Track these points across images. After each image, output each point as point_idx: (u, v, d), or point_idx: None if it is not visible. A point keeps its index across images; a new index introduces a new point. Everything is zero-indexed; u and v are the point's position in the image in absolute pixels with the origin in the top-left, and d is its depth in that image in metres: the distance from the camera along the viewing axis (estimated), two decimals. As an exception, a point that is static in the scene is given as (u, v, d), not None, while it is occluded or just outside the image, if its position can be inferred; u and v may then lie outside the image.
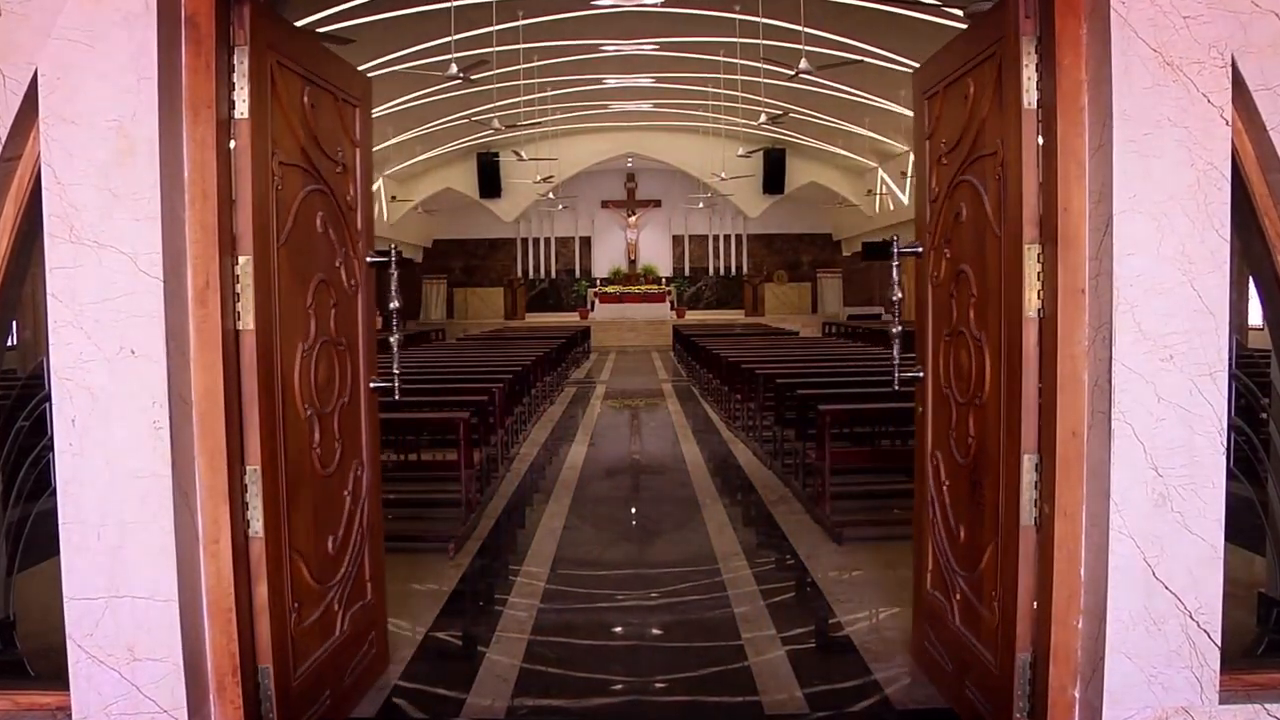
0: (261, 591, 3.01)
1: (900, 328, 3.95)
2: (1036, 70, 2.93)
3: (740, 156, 22.32)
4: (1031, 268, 2.98)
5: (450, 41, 13.71)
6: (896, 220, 24.33)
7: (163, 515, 2.72)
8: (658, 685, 3.88)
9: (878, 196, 25.31)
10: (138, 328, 2.69)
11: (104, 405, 2.70)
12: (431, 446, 7.39)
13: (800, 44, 13.70)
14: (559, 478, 8.33)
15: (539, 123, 20.80)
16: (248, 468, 2.99)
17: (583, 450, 9.82)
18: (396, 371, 3.87)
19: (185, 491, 2.80)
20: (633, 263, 31.81)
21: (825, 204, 28.80)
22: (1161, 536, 2.70)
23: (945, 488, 3.73)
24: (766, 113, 17.70)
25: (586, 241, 32.39)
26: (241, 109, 2.94)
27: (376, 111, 18.74)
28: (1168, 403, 2.69)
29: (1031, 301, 3.00)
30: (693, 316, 29.81)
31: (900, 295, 3.95)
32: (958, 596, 3.52)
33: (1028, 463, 3.03)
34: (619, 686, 3.87)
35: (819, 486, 6.53)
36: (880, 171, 25.10)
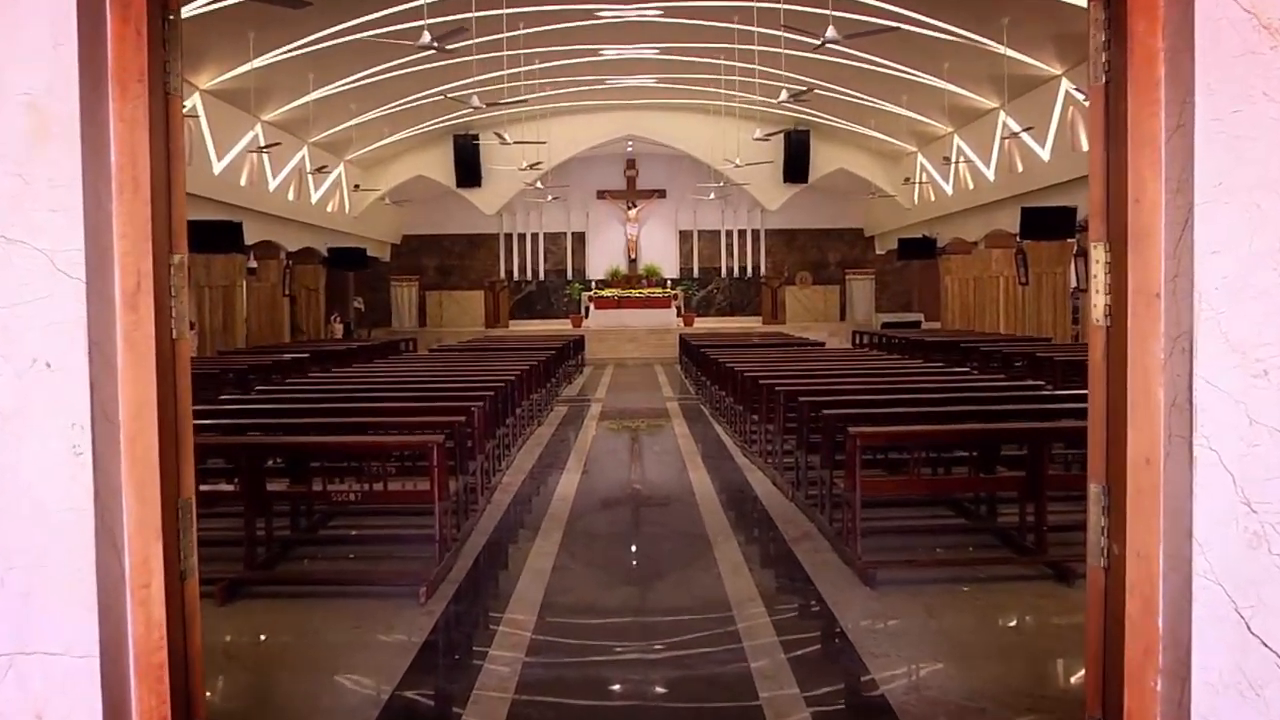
0: (198, 641, 2.96)
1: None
2: (1105, 38, 2.90)
3: (757, 140, 22.32)
4: (1098, 268, 2.94)
5: (423, 5, 13.72)
6: (938, 213, 24.35)
7: (82, 556, 2.67)
8: (662, 753, 3.82)
9: (917, 185, 25.32)
10: (55, 337, 2.65)
11: (13, 428, 2.65)
12: (400, 475, 7.35)
13: (827, 8, 13.67)
14: (548, 510, 8.27)
15: (525, 100, 20.81)
16: (183, 498, 2.95)
17: (575, 479, 9.76)
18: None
19: (110, 527, 2.75)
20: (633, 262, 31.82)
21: (856, 194, 28.82)
22: (1258, 583, 2.64)
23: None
24: (787, 89, 17.67)
25: (580, 238, 32.40)
26: (178, 84, 2.90)
27: (334, 86, 18.82)
28: (1262, 426, 2.64)
29: (1097, 306, 2.96)
30: (702, 324, 29.78)
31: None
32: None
33: (1094, 493, 2.99)
34: (617, 755, 3.81)
35: (848, 521, 6.48)
36: (920, 156, 25.12)
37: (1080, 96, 15.97)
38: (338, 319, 27.36)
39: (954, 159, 22.08)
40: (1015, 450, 7.51)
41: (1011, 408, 8.04)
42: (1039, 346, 15.30)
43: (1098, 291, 2.96)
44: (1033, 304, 20.97)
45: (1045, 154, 17.99)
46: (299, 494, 7.05)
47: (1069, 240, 18.65)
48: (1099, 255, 2.95)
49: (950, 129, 22.22)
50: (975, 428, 7.23)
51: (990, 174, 20.71)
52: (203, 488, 6.97)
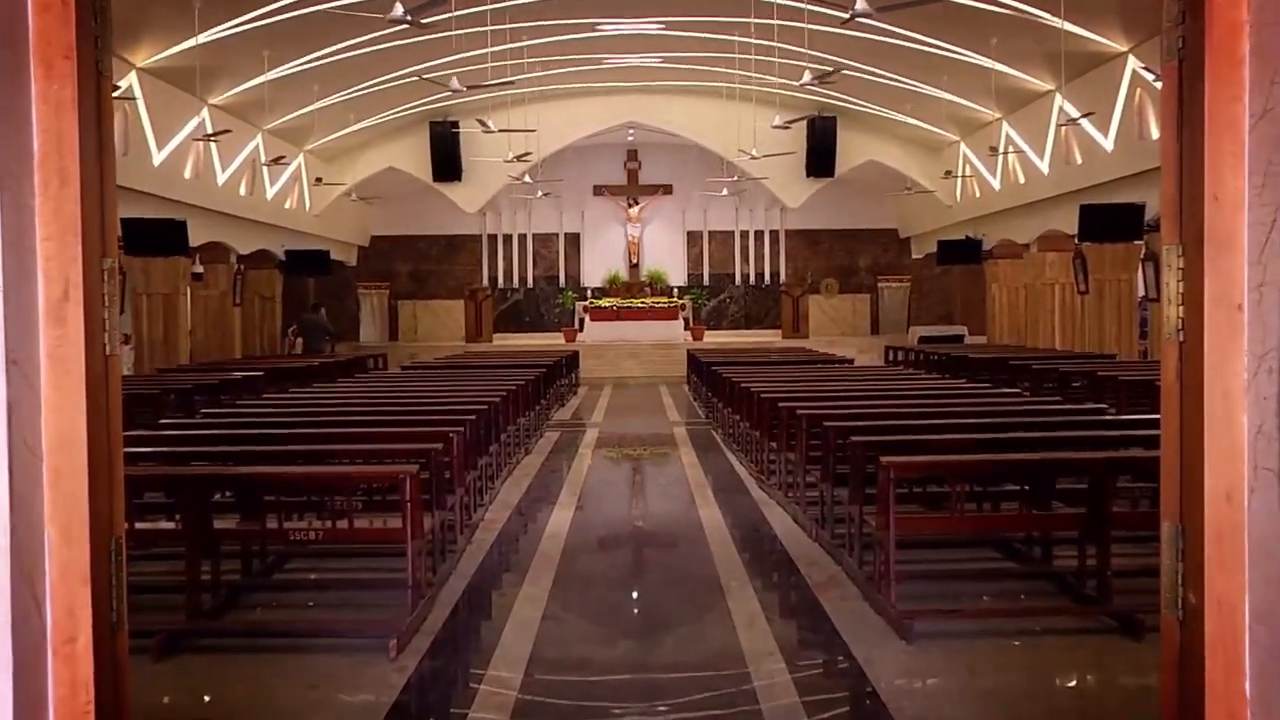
0: (129, 704, 2.93)
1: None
2: (1180, 10, 2.89)
3: (777, 127, 22.33)
4: (1170, 274, 2.93)
5: (396, -25, 13.78)
6: (984, 211, 24.40)
7: (-3, 606, 2.65)
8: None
9: (959, 180, 25.40)
10: (-33, 353, 2.64)
11: (-79, 457, 2.63)
12: (368, 511, 7.34)
13: (855, -21, 13.74)
14: (537, 551, 8.28)
15: (511, 82, 20.87)
16: (116, 538, 2.93)
17: (568, 515, 9.78)
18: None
19: (29, 574, 2.73)
20: (634, 267, 31.88)
21: (889, 190, 28.89)
22: (1354, 639, 2.62)
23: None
24: (811, 69, 17.73)
25: (574, 240, 32.46)
26: (111, 62, 2.90)
27: (292, 65, 18.88)
28: (1360, 457, 2.62)
29: (1170, 319, 2.94)
30: (714, 338, 29.79)
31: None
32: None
33: (1167, 534, 2.97)
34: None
35: (880, 564, 6.47)
36: (962, 146, 25.19)
37: (1150, 77, 15.98)
38: (296, 332, 27.37)
39: (1002, 149, 22.11)
40: (1074, 484, 7.49)
41: (1069, 435, 8.03)
42: (1101, 365, 15.30)
43: (1170, 302, 2.95)
44: (1093, 316, 20.97)
45: (1108, 143, 18.02)
46: (250, 533, 7.04)
47: (1136, 243, 18.66)
48: (1171, 260, 2.94)
49: (998, 115, 22.26)
50: (1027, 458, 7.22)
51: (1044, 166, 20.75)
52: (139, 525, 6.97)
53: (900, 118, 24.87)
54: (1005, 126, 22.21)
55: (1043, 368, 15.48)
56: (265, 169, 22.23)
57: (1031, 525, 7.56)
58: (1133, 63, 16.95)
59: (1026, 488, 7.27)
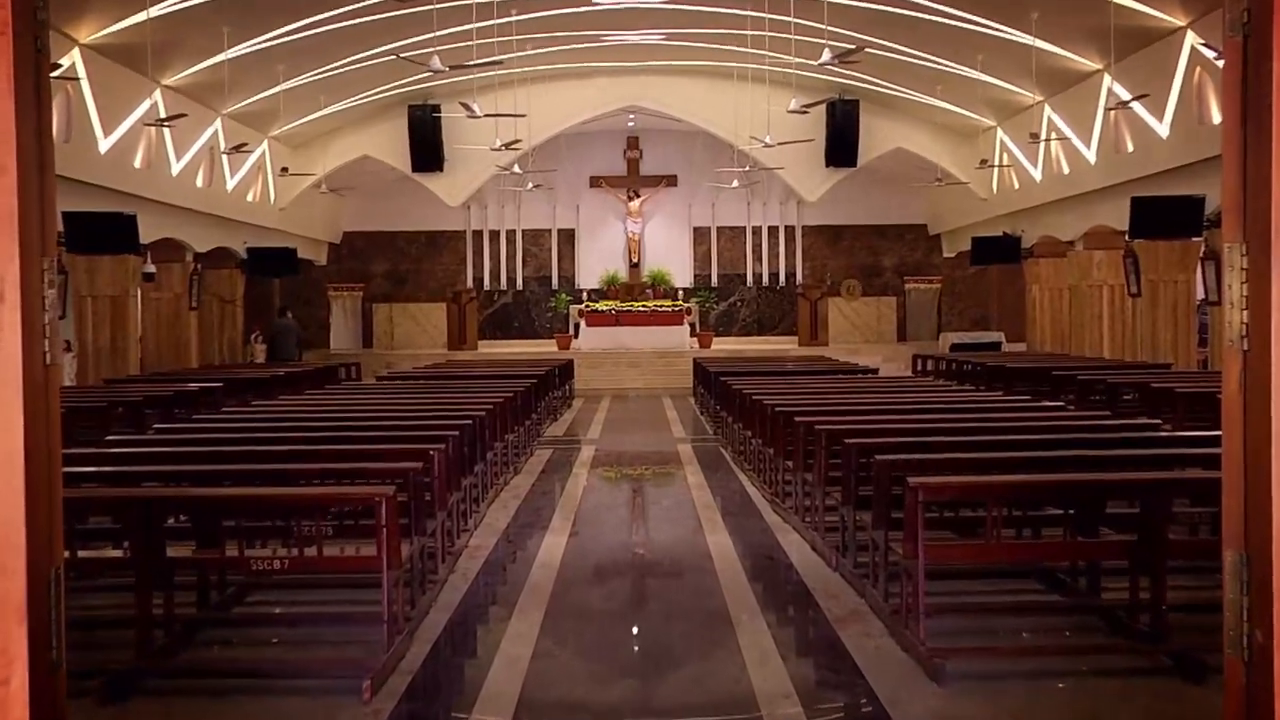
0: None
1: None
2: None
3: (793, 112, 22.29)
4: (1233, 275, 2.92)
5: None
6: (1024, 204, 24.40)
7: (-75, 644, 2.65)
8: None
9: (996, 170, 25.38)
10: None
11: None
12: (340, 537, 7.33)
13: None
14: (527, 582, 8.28)
15: (499, 62, 20.89)
16: (55, 568, 2.92)
17: (562, 541, 9.78)
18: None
19: (-40, 608, 2.72)
20: (635, 267, 31.88)
21: (918, 181, 28.86)
22: None
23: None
24: (831, 47, 17.72)
25: (569, 236, 32.45)
26: (49, 37, 2.89)
27: (256, 42, 18.89)
28: None
29: (1234, 324, 2.94)
30: (723, 345, 29.77)
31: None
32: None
33: (1231, 564, 2.96)
34: None
35: (908, 597, 6.47)
36: (1000, 133, 25.20)
37: (1211, 54, 15.96)
38: (259, 338, 27.37)
39: (1044, 136, 22.13)
40: (1125, 508, 7.47)
41: (1119, 453, 8.01)
42: (1155, 375, 15.29)
43: (1233, 305, 2.94)
44: (1146, 321, 20.97)
45: (1163, 129, 18.01)
46: (208, 562, 7.03)
47: (1194, 240, 18.64)
48: (1235, 259, 2.94)
49: (1039, 97, 22.29)
50: (1073, 478, 7.20)
51: (1091, 155, 20.76)
52: (82, 553, 6.97)
53: (930, 101, 24.88)
54: (1047, 110, 22.23)
55: (1089, 378, 15.46)
56: (225, 158, 22.25)
57: (1077, 554, 7.54)
58: (1191, 39, 16.93)
59: (1072, 512, 7.25)
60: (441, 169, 28.06)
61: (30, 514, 2.82)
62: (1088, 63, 19.62)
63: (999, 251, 25.49)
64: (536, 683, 6.02)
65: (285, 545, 6.98)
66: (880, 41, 20.23)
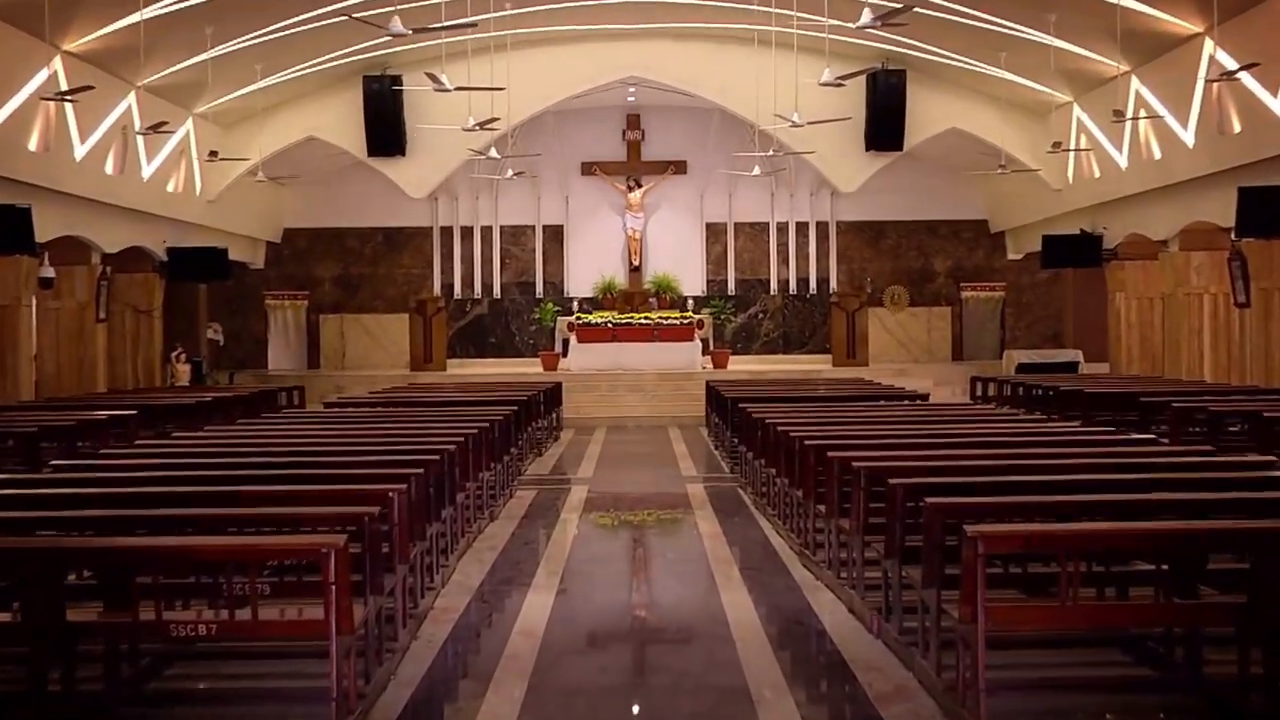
0: None
1: None
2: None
3: (827, 85, 22.29)
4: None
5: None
6: (1105, 197, 24.41)
7: None
8: None
9: (1071, 154, 25.38)
10: None
11: None
12: (279, 596, 7.30)
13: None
14: (505, 651, 8.26)
15: (473, 24, 20.89)
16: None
17: (547, 602, 9.77)
18: None
19: None
20: (636, 271, 31.91)
21: (977, 169, 28.88)
22: None
23: None
24: (872, 6, 17.73)
25: (556, 234, 32.50)
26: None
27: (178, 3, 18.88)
28: None
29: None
30: (741, 366, 29.78)
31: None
32: None
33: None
34: None
35: (966, 670, 6.46)
36: (1076, 109, 25.24)
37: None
38: (182, 356, 27.37)
39: (1130, 113, 22.12)
40: (1232, 563, 7.46)
41: (1224, 496, 8.00)
42: (1268, 403, 15.26)
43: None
44: (1258, 337, 20.94)
45: (1278, 105, 18.03)
46: (118, 626, 7.01)
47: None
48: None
49: (1125, 67, 22.27)
50: (1167, 526, 7.19)
51: (1189, 136, 20.78)
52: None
53: (993, 71, 24.92)
54: (1135, 82, 22.23)
55: (1187, 405, 15.43)
56: (140, 139, 22.24)
57: (1173, 619, 7.50)
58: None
59: (1166, 568, 7.24)
60: (403, 153, 28.15)
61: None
62: (1185, 24, 19.63)
63: (1075, 253, 25.53)
64: (517, 774, 6.02)
65: (213, 607, 6.97)
66: (934, 1, 20.27)
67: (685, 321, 29.88)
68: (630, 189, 31.85)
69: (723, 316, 31.84)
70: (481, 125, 23.48)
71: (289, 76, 25.29)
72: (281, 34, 21.90)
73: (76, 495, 8.61)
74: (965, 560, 6.45)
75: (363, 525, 7.46)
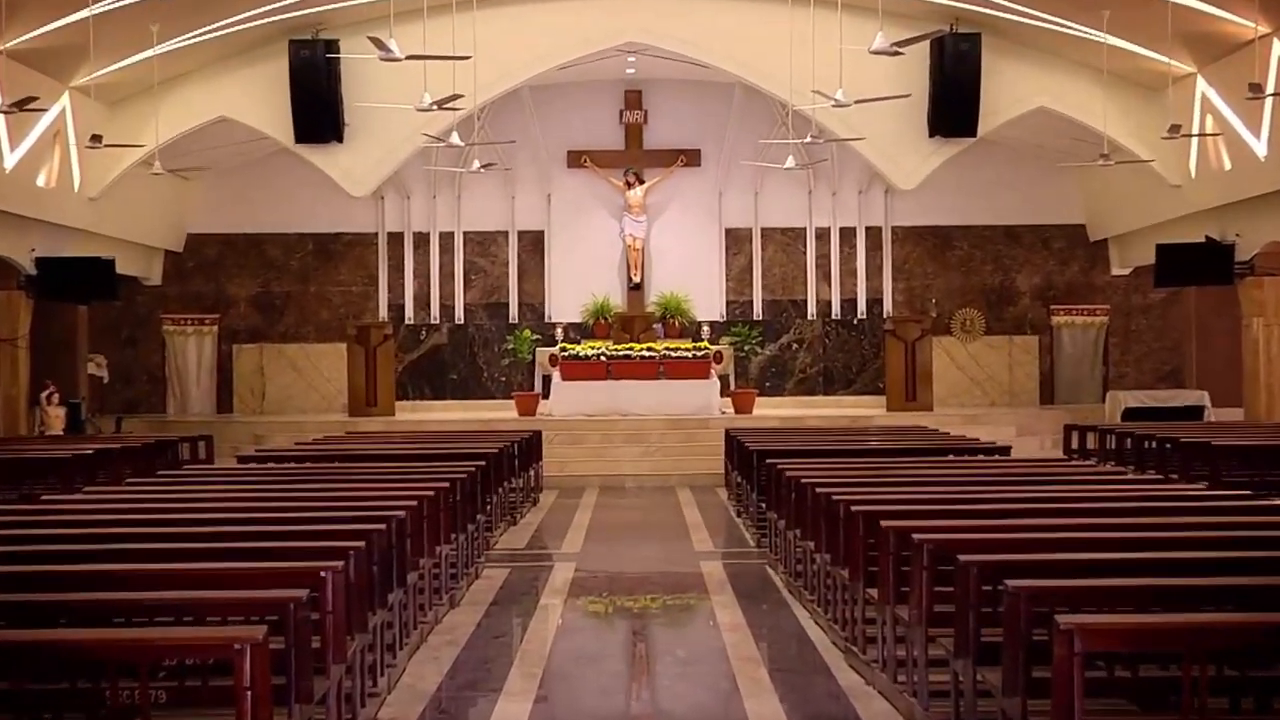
0: None
1: None
2: None
3: (879, 53, 22.35)
4: None
5: None
6: (1237, 195, 24.42)
7: None
8: None
9: (1193, 141, 25.39)
10: None
11: None
12: (179, 706, 7.27)
13: None
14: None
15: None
16: None
17: (523, 712, 9.79)
18: None
19: None
20: (637, 289, 31.96)
21: (1072, 160, 28.98)
22: None
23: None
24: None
25: (535, 243, 32.62)
26: None
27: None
28: None
29: None
30: (770, 410, 29.88)
31: None
32: None
33: None
34: None
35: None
36: (1200, 83, 25.25)
37: None
38: (55, 397, 27.38)
39: (1271, 88, 22.15)
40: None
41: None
42: None
43: None
44: None
45: None
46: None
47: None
48: None
49: (1264, 30, 22.30)
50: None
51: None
52: None
53: (1092, 34, 24.97)
54: (1277, 48, 22.26)
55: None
56: (1, 119, 22.31)
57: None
58: None
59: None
60: (340, 140, 28.22)
61: None
62: (1337, -24, 19.71)
63: (1200, 267, 25.59)
64: None
65: (92, 718, 6.94)
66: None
67: (699, 354, 29.99)
68: (629, 185, 31.96)
69: (747, 348, 31.90)
70: (440, 104, 23.52)
71: (193, 40, 25.31)
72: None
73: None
74: (1057, 660, 6.43)
75: (287, 613, 7.43)
